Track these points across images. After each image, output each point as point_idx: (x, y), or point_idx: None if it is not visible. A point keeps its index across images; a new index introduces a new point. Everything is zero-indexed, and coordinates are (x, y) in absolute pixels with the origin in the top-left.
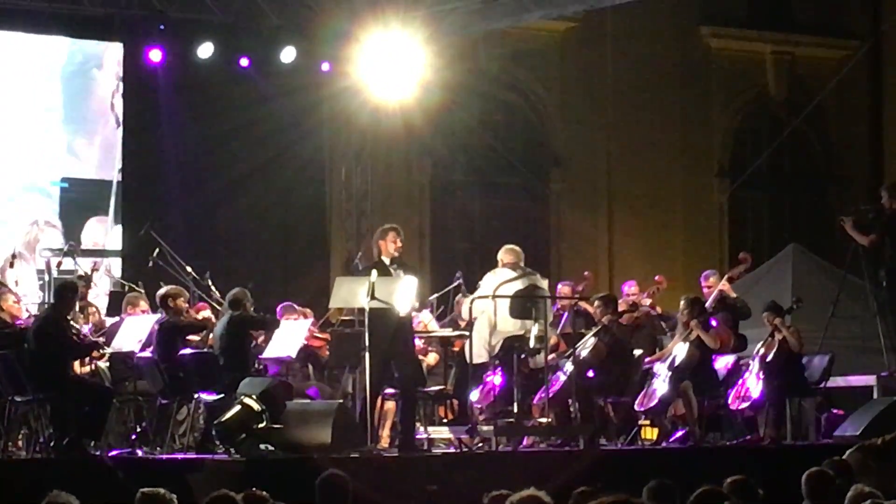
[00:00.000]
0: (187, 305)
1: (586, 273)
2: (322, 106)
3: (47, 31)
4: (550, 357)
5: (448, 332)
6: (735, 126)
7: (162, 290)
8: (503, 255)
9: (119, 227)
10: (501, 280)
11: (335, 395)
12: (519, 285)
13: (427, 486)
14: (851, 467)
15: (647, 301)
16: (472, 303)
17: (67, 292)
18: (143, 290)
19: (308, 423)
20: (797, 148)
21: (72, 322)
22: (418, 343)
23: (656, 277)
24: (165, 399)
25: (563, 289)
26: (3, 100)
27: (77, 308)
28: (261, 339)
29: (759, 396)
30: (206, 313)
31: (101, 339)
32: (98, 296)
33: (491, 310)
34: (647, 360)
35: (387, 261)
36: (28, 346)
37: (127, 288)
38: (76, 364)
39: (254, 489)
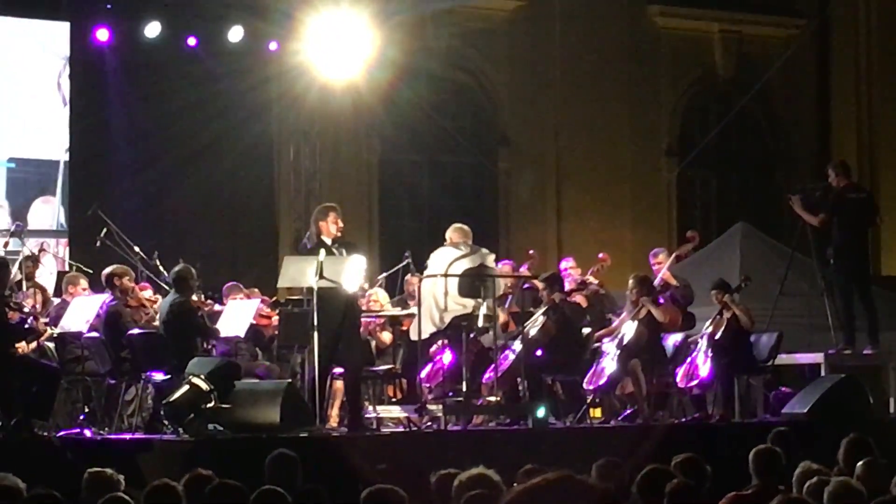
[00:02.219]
0: (133, 285)
1: (531, 251)
2: (270, 85)
3: None
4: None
5: (397, 311)
6: (683, 104)
7: (108, 270)
8: (451, 233)
9: (63, 208)
10: (451, 258)
11: (284, 374)
12: (468, 263)
13: (376, 465)
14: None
15: (594, 280)
16: (420, 282)
17: (1, 270)
18: (91, 271)
19: (257, 403)
20: (745, 126)
21: (13, 301)
22: (372, 321)
23: (600, 255)
24: (113, 379)
25: (505, 267)
26: None
27: (25, 288)
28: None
29: (708, 375)
30: (149, 293)
31: (46, 320)
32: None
33: (439, 288)
34: (597, 334)
35: (328, 241)
36: None
37: (74, 269)
38: (22, 344)
39: (200, 469)
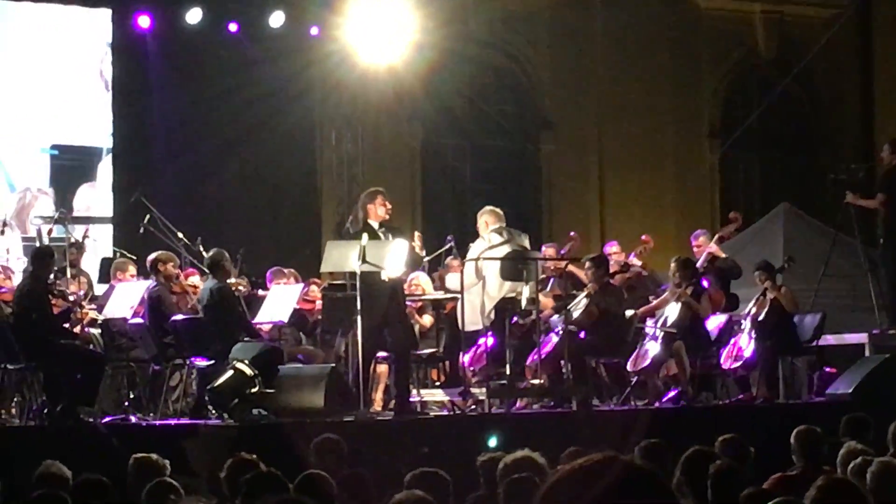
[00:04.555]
0: (177, 271)
1: (572, 234)
2: (311, 70)
3: None
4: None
5: (440, 294)
6: (725, 86)
7: (152, 256)
8: (487, 216)
9: (109, 194)
10: (488, 245)
11: (328, 359)
12: (507, 249)
13: (420, 448)
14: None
15: (637, 261)
16: (462, 268)
17: (45, 257)
18: (135, 257)
19: (301, 388)
20: (787, 107)
21: (58, 287)
22: (413, 304)
23: (643, 237)
24: (158, 365)
25: (548, 251)
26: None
27: (69, 275)
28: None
29: (752, 356)
30: (196, 279)
31: (91, 307)
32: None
33: (480, 280)
34: (638, 311)
35: (375, 224)
36: (13, 314)
37: (118, 255)
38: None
39: (245, 454)
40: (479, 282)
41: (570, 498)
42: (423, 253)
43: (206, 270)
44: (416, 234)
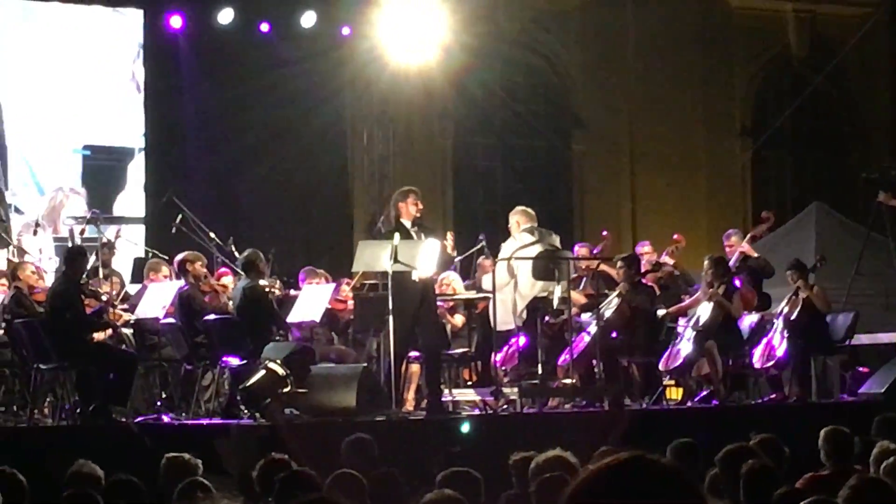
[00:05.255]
0: (206, 270)
1: (604, 233)
2: (343, 70)
3: None
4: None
5: (472, 294)
6: (757, 85)
7: (179, 256)
8: (519, 216)
9: (141, 194)
10: (520, 245)
11: (359, 358)
12: (538, 248)
13: (451, 447)
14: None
15: (669, 260)
16: (493, 267)
17: (77, 257)
18: (167, 257)
19: (333, 387)
20: (819, 106)
21: (91, 287)
22: (444, 304)
23: (675, 236)
24: (190, 365)
25: (580, 250)
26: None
27: (101, 275)
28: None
29: (784, 355)
30: (229, 279)
31: (123, 307)
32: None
33: (513, 277)
34: (669, 310)
35: (407, 223)
36: (46, 313)
37: (151, 255)
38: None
39: (276, 454)
40: (511, 281)
41: (597, 497)
42: (455, 253)
43: (239, 270)
44: (449, 233)
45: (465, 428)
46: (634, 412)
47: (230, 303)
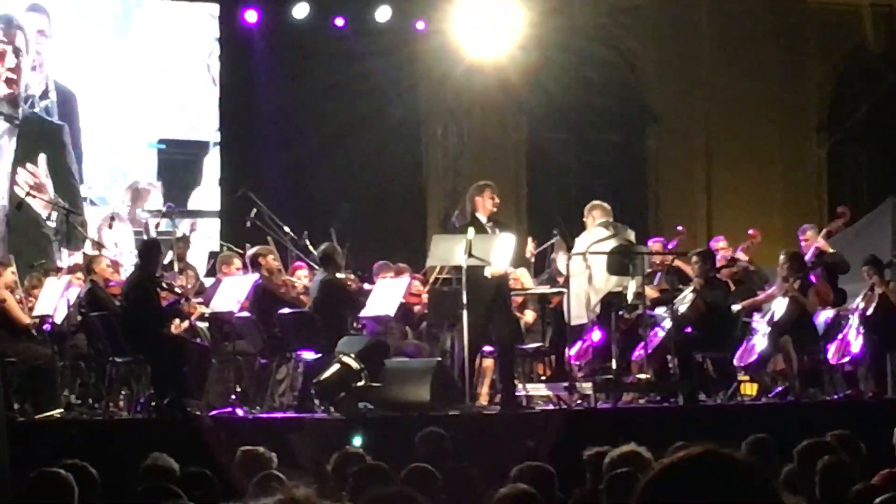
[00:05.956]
0: (278, 264)
1: (680, 227)
2: (417, 64)
3: None
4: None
5: (545, 289)
6: (833, 80)
7: (251, 250)
8: (595, 211)
9: (216, 188)
10: (595, 239)
11: (434, 353)
12: (613, 243)
13: (526, 442)
14: None
15: (744, 256)
16: (568, 261)
17: (152, 251)
18: (242, 251)
19: (407, 382)
20: None
21: (165, 282)
22: (516, 300)
23: (750, 231)
24: (264, 359)
25: (654, 245)
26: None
27: (176, 268)
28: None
29: (859, 351)
30: (304, 273)
31: (197, 300)
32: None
33: (588, 271)
34: (743, 304)
35: (482, 218)
36: (121, 307)
37: (225, 249)
38: (174, 324)
39: (350, 447)
40: (585, 275)
41: (671, 492)
42: (532, 259)
43: (313, 264)
44: (529, 239)
45: (357, 441)
46: (709, 408)
47: (305, 296)
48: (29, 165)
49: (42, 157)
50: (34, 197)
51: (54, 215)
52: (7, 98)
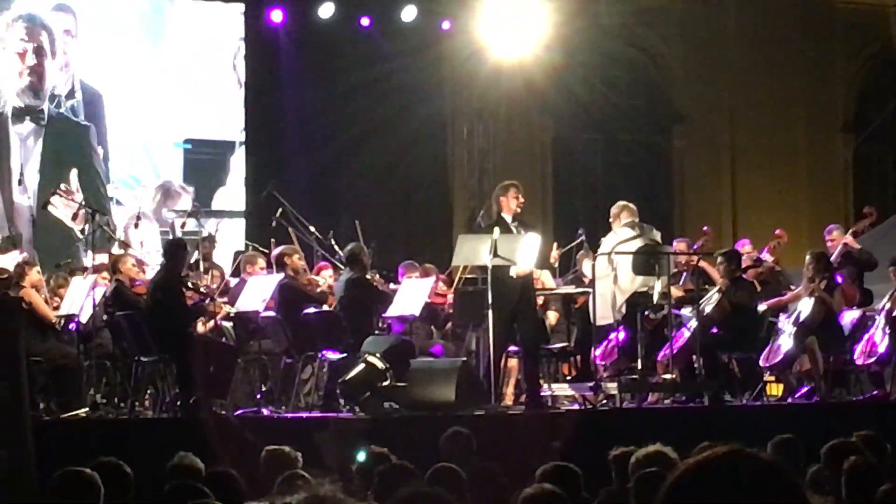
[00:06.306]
0: (303, 264)
1: (705, 228)
2: (443, 64)
3: None
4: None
5: (571, 289)
6: (859, 80)
7: (276, 250)
8: (621, 212)
9: (242, 188)
10: (621, 239)
11: (459, 353)
12: (639, 243)
13: (551, 442)
14: None
15: (770, 257)
16: (594, 261)
17: (178, 250)
18: (267, 251)
19: (432, 381)
20: None
21: (191, 281)
22: (538, 300)
23: (776, 231)
24: (290, 358)
25: (679, 245)
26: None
27: (202, 268)
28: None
29: (886, 351)
30: (329, 272)
31: (223, 300)
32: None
33: (613, 271)
34: (768, 303)
35: (508, 218)
36: (147, 306)
37: (251, 249)
38: (199, 323)
39: (375, 447)
40: (611, 275)
41: (697, 491)
42: (556, 265)
43: (340, 265)
44: (555, 245)
45: (361, 457)
46: (735, 408)
47: (334, 296)
48: (63, 186)
49: (73, 172)
50: (65, 205)
51: (80, 214)
52: (30, 97)
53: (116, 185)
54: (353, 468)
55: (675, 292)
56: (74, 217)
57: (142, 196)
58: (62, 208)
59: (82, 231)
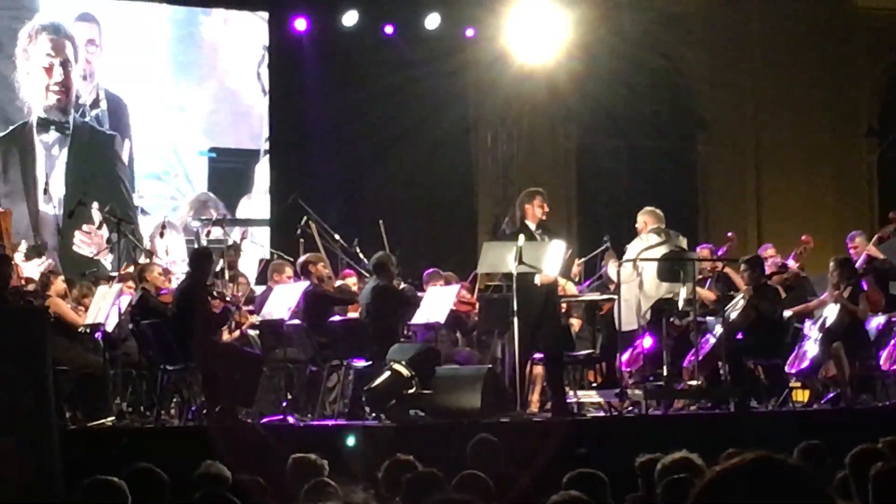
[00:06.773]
0: (328, 271)
1: (730, 234)
2: (467, 72)
3: (195, 1)
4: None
5: (595, 295)
6: (883, 85)
7: (302, 258)
8: (647, 217)
9: (266, 196)
10: (646, 245)
11: (484, 360)
12: (664, 250)
13: (577, 449)
14: None
15: (795, 263)
16: (619, 267)
17: (203, 259)
18: (292, 259)
19: (458, 389)
20: None
21: (216, 290)
22: (563, 307)
23: (803, 237)
24: (315, 366)
25: (703, 251)
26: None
27: (227, 277)
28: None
29: None
30: (353, 280)
31: (248, 308)
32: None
33: (638, 277)
34: (794, 310)
35: (532, 225)
36: (172, 314)
37: (276, 257)
38: (225, 331)
39: (402, 454)
40: (636, 281)
41: (724, 498)
42: (577, 279)
43: (364, 272)
44: (577, 261)
45: (351, 441)
46: (760, 414)
47: (360, 304)
48: (85, 227)
49: (94, 206)
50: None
51: (105, 249)
52: (58, 114)
53: (142, 195)
54: (382, 471)
55: (707, 294)
56: (98, 252)
57: (167, 205)
58: (84, 248)
59: (108, 240)
